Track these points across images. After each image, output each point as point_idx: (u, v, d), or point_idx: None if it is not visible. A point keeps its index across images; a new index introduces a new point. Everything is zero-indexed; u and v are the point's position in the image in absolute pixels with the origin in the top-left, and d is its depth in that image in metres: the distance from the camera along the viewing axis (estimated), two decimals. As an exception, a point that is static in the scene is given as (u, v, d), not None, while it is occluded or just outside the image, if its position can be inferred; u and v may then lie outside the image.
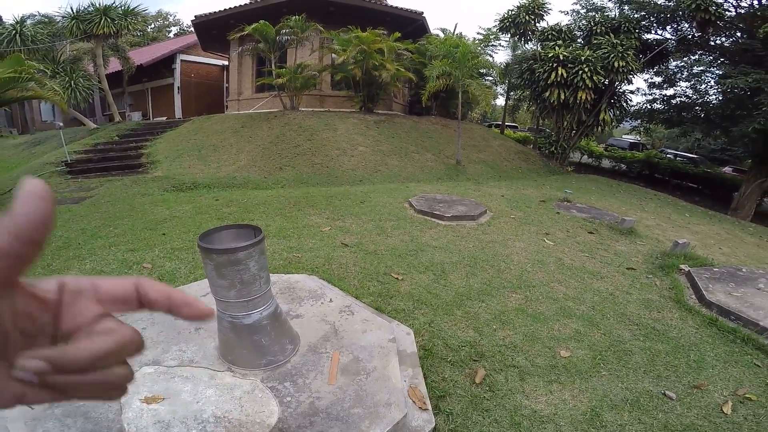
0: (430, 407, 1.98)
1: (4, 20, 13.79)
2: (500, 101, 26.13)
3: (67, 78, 11.55)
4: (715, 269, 4.19)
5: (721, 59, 12.59)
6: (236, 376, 2.00)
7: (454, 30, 12.42)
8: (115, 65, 15.22)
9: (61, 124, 9.47)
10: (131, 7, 12.12)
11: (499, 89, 23.31)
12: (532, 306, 3.17)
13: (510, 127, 25.52)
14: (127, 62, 14.61)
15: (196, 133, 9.90)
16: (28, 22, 11.85)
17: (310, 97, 12.22)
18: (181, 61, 17.14)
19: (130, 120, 14.53)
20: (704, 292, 3.57)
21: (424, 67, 10.80)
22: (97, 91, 13.54)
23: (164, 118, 15.17)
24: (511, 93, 20.89)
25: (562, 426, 2.02)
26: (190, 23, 14.05)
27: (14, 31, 11.07)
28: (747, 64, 10.39)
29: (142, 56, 17.03)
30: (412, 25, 13.23)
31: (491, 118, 31.98)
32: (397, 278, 3.44)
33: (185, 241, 4.19)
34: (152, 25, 35.19)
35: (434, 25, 21.50)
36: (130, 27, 12.20)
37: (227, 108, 15.62)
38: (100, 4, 11.76)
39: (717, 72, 12.80)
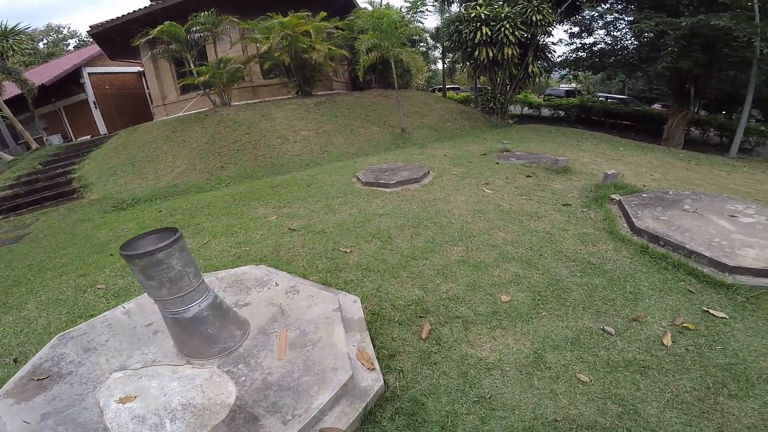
0: (377, 367, 2.06)
1: None
2: (441, 65, 26.21)
3: None
4: (644, 195, 4.32)
5: (630, 7, 13.33)
6: (195, 367, 2.12)
7: (381, 2, 12.25)
8: (13, 89, 13.77)
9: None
10: (10, 27, 10.96)
11: (437, 53, 23.35)
12: (473, 255, 3.28)
13: (452, 89, 25.79)
14: (25, 84, 13.25)
15: (125, 147, 9.36)
16: None
17: (240, 90, 11.77)
18: (89, 74, 15.69)
19: (49, 145, 13.36)
20: (634, 219, 3.60)
21: (355, 42, 10.68)
22: (0, 119, 12.30)
23: (89, 137, 14.12)
24: (447, 56, 20.99)
25: (507, 371, 2.07)
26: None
27: None
28: (651, 9, 11.11)
29: (42, 75, 15.35)
30: (338, 2, 12.98)
31: (435, 82, 32.11)
32: (345, 252, 3.49)
33: (131, 257, 4.04)
34: (44, 41, 32.14)
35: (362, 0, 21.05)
36: (14, 47, 11.07)
37: (155, 115, 14.76)
38: (-29, 27, 10.56)
39: (628, 19, 13.57)
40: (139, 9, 11.49)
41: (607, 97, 22.19)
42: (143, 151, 8.82)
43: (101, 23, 11.84)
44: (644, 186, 5.11)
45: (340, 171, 6.63)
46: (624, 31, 14.31)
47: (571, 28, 15.18)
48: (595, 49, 14.90)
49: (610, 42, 14.68)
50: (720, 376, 2.00)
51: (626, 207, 3.96)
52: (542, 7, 11.00)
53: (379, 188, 5.34)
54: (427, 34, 14.01)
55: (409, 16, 10.61)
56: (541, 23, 11.11)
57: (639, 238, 3.42)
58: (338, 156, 8.31)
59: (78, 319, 3.03)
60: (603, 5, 13.92)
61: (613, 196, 4.49)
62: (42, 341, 2.79)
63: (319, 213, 4.60)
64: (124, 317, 2.72)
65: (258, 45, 11.07)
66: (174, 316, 2.05)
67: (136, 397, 1.99)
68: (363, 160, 7.55)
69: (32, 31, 12.28)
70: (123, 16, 11.62)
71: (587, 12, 14.30)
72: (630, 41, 14.20)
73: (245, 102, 11.35)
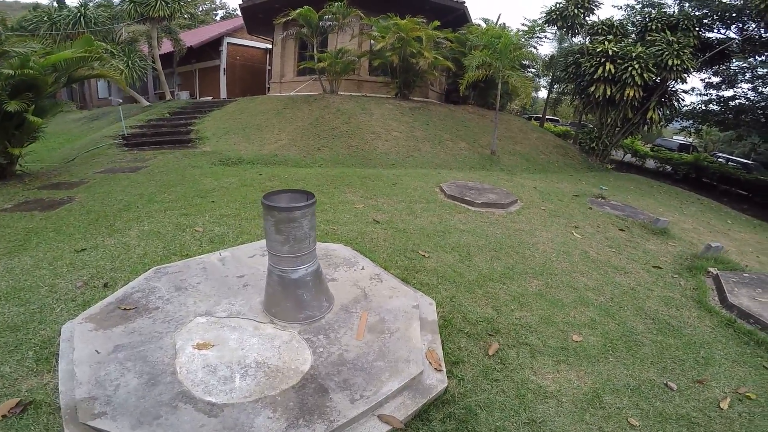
0: (444, 369, 2.20)
1: (67, 3, 14.78)
2: (542, 93, 25.42)
3: (125, 58, 12.29)
4: (744, 274, 4.13)
5: None
6: (277, 328, 2.28)
7: (497, 21, 12.19)
8: (167, 47, 15.97)
9: (120, 100, 10.21)
10: None
11: (542, 81, 22.66)
12: (552, 292, 3.30)
13: (551, 120, 24.82)
14: (178, 44, 15.31)
15: (240, 113, 10.38)
16: (90, 5, 12.67)
17: (348, 81, 12.39)
18: (228, 43, 17.74)
19: (178, 99, 15.30)
20: (728, 294, 3.57)
21: (463, 57, 10.71)
22: (150, 70, 14.28)
23: (210, 98, 15.88)
24: (555, 86, 20.28)
25: (563, 402, 2.16)
26: (236, 7, 14.59)
27: (79, 14, 11.90)
28: None
29: (191, 38, 17.77)
30: (453, 14, 13.15)
31: (531, 110, 31.13)
32: (423, 255, 3.66)
33: (232, 209, 4.54)
34: (200, 8, 36.37)
35: (476, 15, 21.12)
36: (182, 10, 12.85)
37: (269, 90, 16.06)
38: (155, -12, 12.41)
39: None
40: (285, -10, 12.66)
41: (727, 159, 19.81)
42: (255, 119, 9.73)
43: (252, -2, 13.25)
44: (746, 266, 4.70)
45: (424, 178, 6.81)
46: (776, 87, 12.77)
47: (709, 78, 13.81)
48: (732, 104, 13.41)
49: (753, 98, 13.11)
50: (762, 441, 2.05)
51: (722, 281, 3.85)
52: (683, 52, 10.07)
53: (463, 204, 5.43)
54: (540, 61, 13.67)
55: (524, 39, 10.36)
56: (677, 68, 10.16)
57: (728, 312, 3.41)
58: (422, 163, 8.50)
59: (172, 255, 3.28)
60: (757, 57, 12.48)
61: (710, 269, 4.27)
62: (135, 270, 2.96)
63: (402, 213, 4.82)
64: (218, 264, 2.94)
65: (372, 42, 11.60)
66: (282, 273, 2.27)
67: (213, 345, 2.06)
68: (447, 173, 7.67)
69: (196, -2, 14.26)
70: (270, -6, 12.83)
71: (736, 63, 12.91)
72: (780, 100, 12.61)
73: (349, 93, 11.95)
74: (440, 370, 2.17)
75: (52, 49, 6.58)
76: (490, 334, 2.64)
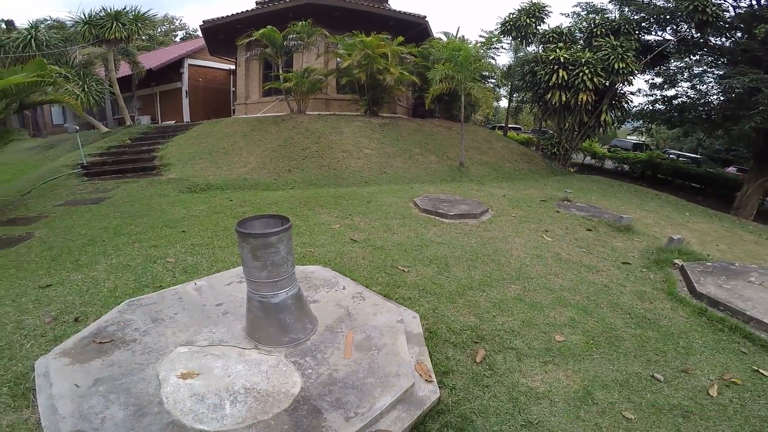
0: (435, 380, 2.21)
1: (17, 25, 14.11)
2: (503, 103, 26.38)
3: (81, 82, 11.81)
4: (708, 264, 4.34)
5: (721, 60, 12.68)
6: (262, 353, 2.25)
7: (457, 34, 12.59)
8: (125, 69, 15.47)
9: (77, 127, 9.80)
10: (141, 12, 12.43)
11: (502, 91, 23.53)
12: (530, 296, 3.40)
13: (513, 128, 25.73)
14: (136, 66, 14.86)
15: (206, 137, 10.20)
16: (42, 27, 12.17)
17: (316, 100, 12.41)
18: (189, 65, 17.43)
19: (139, 123, 14.83)
20: (695, 284, 3.73)
21: (427, 71, 10.96)
22: (108, 94, 13.83)
23: (173, 122, 15.50)
24: (514, 95, 21.11)
25: (556, 402, 2.21)
26: (196, 27, 14.48)
27: (29, 36, 11.38)
28: (746, 64, 10.52)
29: (150, 60, 17.34)
30: (416, 29, 13.46)
31: (494, 120, 32.20)
32: (403, 270, 3.69)
33: (204, 237, 4.44)
34: (159, 30, 35.75)
35: (437, 29, 21.78)
36: (140, 32, 12.49)
37: (234, 112, 15.86)
38: (111, 9, 12.07)
39: (717, 72, 12.89)
40: (247, 11, 12.68)
41: (678, 155, 21.14)
42: (221, 143, 9.59)
43: (213, 19, 13.13)
44: (708, 255, 4.99)
45: (398, 194, 6.89)
46: (711, 85, 13.51)
47: (653, 79, 14.55)
48: (675, 102, 14.22)
49: (693, 96, 13.85)
50: (759, 426, 2.13)
51: (689, 272, 4.02)
52: (627, 56, 10.67)
53: (437, 217, 5.53)
54: (498, 72, 14.19)
55: (482, 51, 10.75)
56: (623, 72, 10.75)
57: (698, 301, 3.52)
58: (395, 179, 8.59)
59: (145, 288, 3.22)
60: (692, 57, 13.34)
61: (675, 261, 4.48)
62: (106, 304, 2.90)
63: (379, 230, 4.85)
64: (194, 293, 2.89)
65: (338, 60, 11.71)
66: (262, 299, 2.25)
67: (198, 374, 2.03)
68: (419, 187, 7.77)
69: (155, 19, 13.79)
70: (232, 15, 12.82)
71: (674, 63, 13.72)
72: (716, 96, 13.30)
73: (318, 113, 11.98)
74: (431, 381, 2.18)
75: (0, 74, 6.28)
76: (475, 342, 2.68)
